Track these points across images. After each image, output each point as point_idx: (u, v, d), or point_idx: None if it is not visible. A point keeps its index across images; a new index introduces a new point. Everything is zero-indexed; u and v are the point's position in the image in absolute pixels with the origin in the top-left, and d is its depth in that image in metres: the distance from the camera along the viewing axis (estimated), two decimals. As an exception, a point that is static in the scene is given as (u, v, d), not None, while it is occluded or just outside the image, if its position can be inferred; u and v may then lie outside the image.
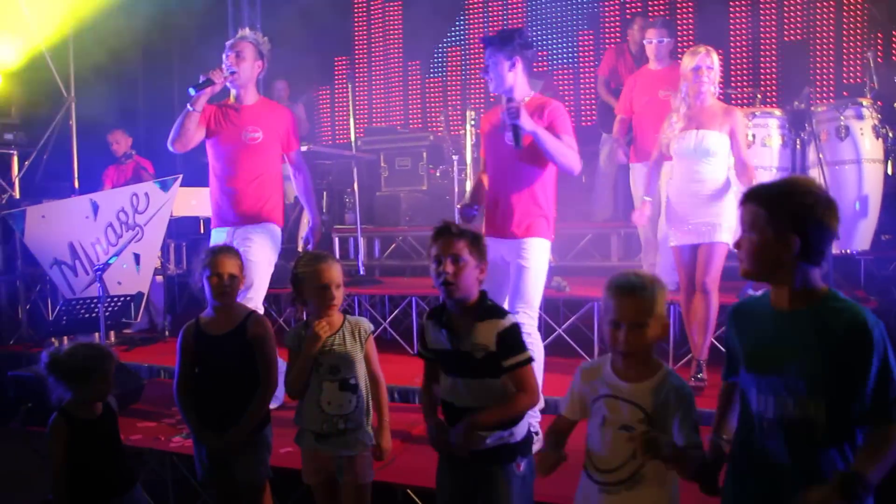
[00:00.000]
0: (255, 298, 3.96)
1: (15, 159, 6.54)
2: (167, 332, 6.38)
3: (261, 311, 3.99)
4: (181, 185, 5.96)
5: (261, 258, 4.05)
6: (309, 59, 8.55)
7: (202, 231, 7.01)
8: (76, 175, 6.98)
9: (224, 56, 4.07)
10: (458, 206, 3.94)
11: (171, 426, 4.12)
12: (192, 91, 3.96)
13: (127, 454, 2.93)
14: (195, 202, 6.94)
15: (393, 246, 6.94)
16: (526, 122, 3.36)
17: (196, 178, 7.17)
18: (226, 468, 2.87)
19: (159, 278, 6.43)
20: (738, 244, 1.94)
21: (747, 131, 4.63)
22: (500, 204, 3.63)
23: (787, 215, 1.84)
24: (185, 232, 6.88)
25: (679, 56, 4.88)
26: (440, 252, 2.40)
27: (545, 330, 4.88)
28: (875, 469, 1.75)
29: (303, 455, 2.80)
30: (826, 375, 1.81)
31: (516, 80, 3.58)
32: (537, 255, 3.56)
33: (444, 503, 2.52)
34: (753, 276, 1.95)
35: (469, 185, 6.10)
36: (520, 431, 2.43)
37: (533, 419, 3.46)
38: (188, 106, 3.98)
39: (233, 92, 4.17)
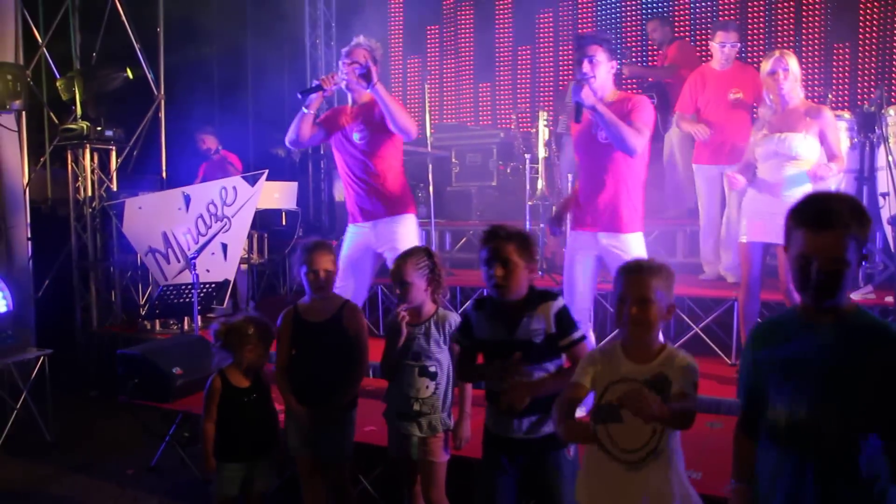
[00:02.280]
0: None
1: (113, 154, 6.98)
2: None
3: None
4: (266, 180, 6.30)
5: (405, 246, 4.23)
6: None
7: (284, 223, 7.37)
8: (164, 169, 7.40)
9: (340, 63, 4.22)
10: (545, 223, 4.10)
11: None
12: (298, 95, 4.18)
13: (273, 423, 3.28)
14: (278, 195, 7.32)
15: (464, 240, 7.17)
16: (587, 96, 3.58)
17: (280, 173, 7.57)
18: (314, 443, 3.16)
19: (244, 267, 6.80)
20: (827, 271, 1.83)
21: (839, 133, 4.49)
22: (588, 202, 3.82)
23: (861, 234, 1.83)
24: (268, 223, 7.23)
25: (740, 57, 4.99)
26: (490, 255, 2.50)
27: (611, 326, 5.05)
28: None
29: (388, 430, 3.07)
30: (849, 389, 1.81)
31: (610, 77, 3.78)
32: (636, 249, 3.74)
33: (492, 494, 2.61)
34: (835, 300, 1.86)
35: (541, 183, 6.29)
36: None
37: None
38: (303, 108, 4.18)
39: (350, 97, 4.33)
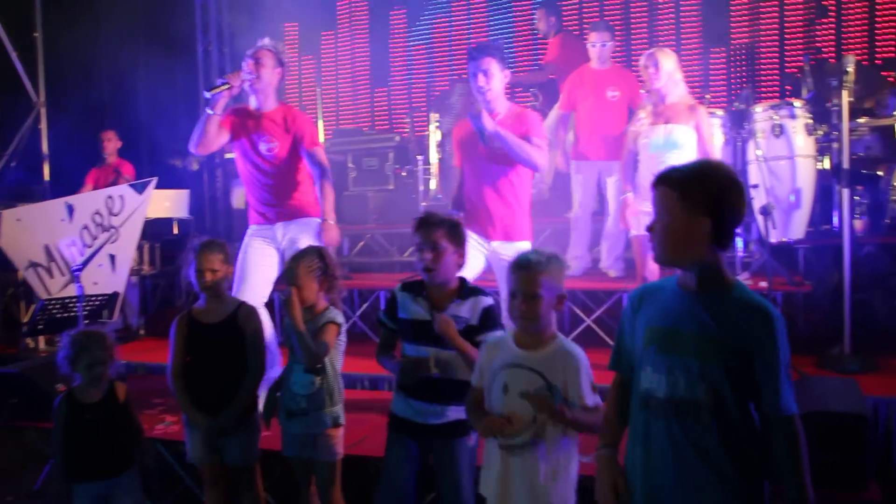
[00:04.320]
0: None
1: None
2: (142, 332, 6.55)
3: None
4: (155, 188, 6.12)
5: None
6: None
7: (176, 232, 7.17)
8: (47, 178, 7.08)
9: (243, 64, 4.16)
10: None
11: (153, 416, 4.32)
12: (207, 94, 4.05)
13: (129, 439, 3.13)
14: (169, 204, 7.12)
15: (361, 244, 7.16)
16: (487, 123, 3.66)
17: (170, 180, 7.35)
18: (217, 450, 3.11)
19: (134, 279, 6.58)
20: (650, 227, 1.95)
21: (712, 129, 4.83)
22: (480, 208, 3.89)
23: (699, 197, 1.84)
24: (159, 233, 7.04)
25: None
26: (422, 241, 2.65)
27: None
28: (807, 481, 1.82)
29: (282, 431, 3.04)
30: (721, 361, 1.84)
31: (503, 88, 3.86)
32: None
33: (395, 475, 2.71)
34: (665, 260, 1.95)
35: (434, 184, 6.36)
36: None
37: None
38: (207, 109, 4.07)
39: (252, 100, 4.25)
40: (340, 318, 3.01)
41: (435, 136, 6.37)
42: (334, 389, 2.98)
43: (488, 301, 2.68)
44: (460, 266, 2.71)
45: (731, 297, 1.88)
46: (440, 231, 2.65)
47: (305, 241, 3.98)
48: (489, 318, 2.65)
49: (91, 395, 3.04)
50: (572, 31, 7.77)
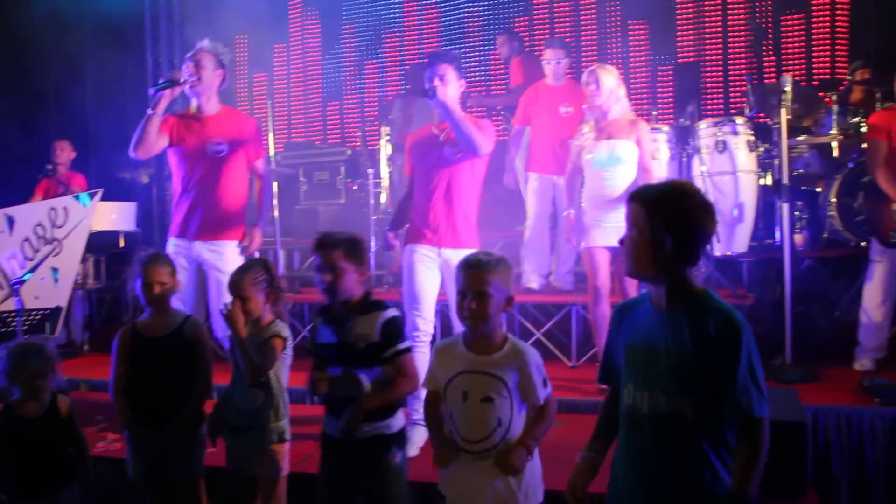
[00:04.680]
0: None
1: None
2: (86, 347, 6.39)
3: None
4: (101, 200, 6.00)
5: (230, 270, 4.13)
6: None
7: (122, 245, 7.03)
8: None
9: (183, 67, 4.11)
10: (385, 235, 4.13)
11: (95, 433, 4.21)
12: (152, 91, 3.96)
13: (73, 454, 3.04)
14: (115, 216, 6.98)
15: (312, 258, 7.08)
16: (440, 92, 3.71)
17: (116, 192, 7.20)
18: (162, 466, 3.04)
19: (79, 293, 6.43)
20: (622, 240, 2.04)
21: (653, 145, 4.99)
22: (430, 217, 3.89)
23: (663, 215, 1.93)
24: (105, 246, 6.88)
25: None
26: (320, 262, 2.63)
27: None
28: (753, 479, 1.89)
29: (226, 447, 3.00)
30: (696, 372, 1.91)
31: (457, 96, 3.88)
32: None
33: (325, 494, 2.70)
34: (634, 273, 2.04)
35: (385, 197, 6.36)
36: (396, 423, 2.65)
37: (414, 412, 3.71)
38: (149, 109, 3.97)
39: (194, 102, 4.18)
40: (286, 332, 2.97)
41: (386, 149, 6.38)
42: (280, 404, 2.94)
43: (389, 314, 2.63)
44: (363, 282, 2.69)
45: (700, 310, 1.95)
46: (338, 252, 2.62)
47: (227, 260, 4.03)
48: (391, 332, 2.61)
49: (30, 409, 2.93)
50: (529, 51, 7.88)
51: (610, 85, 4.31)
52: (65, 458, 2.98)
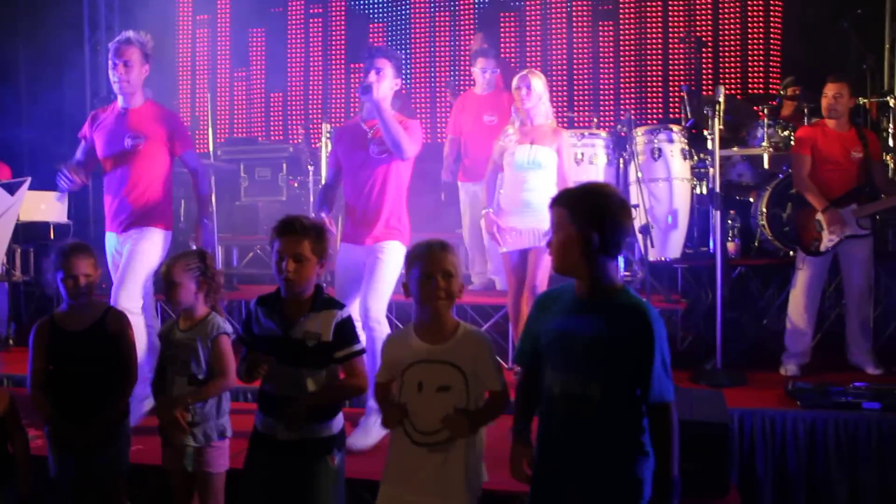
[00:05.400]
0: (124, 297, 3.97)
1: None
2: (11, 342, 6.17)
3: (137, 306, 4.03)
4: (30, 189, 5.80)
5: (139, 260, 4.07)
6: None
7: (52, 237, 6.81)
8: None
9: (111, 63, 4.06)
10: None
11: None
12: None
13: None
14: (44, 206, 6.75)
15: (251, 255, 7.02)
16: (375, 90, 3.70)
17: (46, 181, 6.96)
18: (85, 461, 2.94)
19: (5, 285, 6.21)
20: (548, 244, 2.18)
21: (575, 150, 5.16)
22: (357, 213, 3.88)
23: (586, 213, 2.07)
24: (33, 237, 6.64)
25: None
26: (283, 249, 2.49)
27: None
28: (673, 459, 2.06)
29: (162, 443, 2.91)
30: (608, 359, 2.07)
31: (391, 93, 3.88)
32: (394, 255, 3.80)
33: (251, 494, 2.59)
34: (562, 271, 2.17)
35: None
36: (336, 425, 2.58)
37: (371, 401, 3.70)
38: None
39: (120, 98, 4.17)
40: (227, 326, 2.92)
41: (328, 147, 6.33)
42: (221, 400, 2.89)
43: (345, 313, 2.55)
44: (319, 276, 2.59)
45: (618, 302, 2.11)
46: (306, 240, 2.50)
47: (149, 251, 4.06)
48: (345, 332, 2.53)
49: None
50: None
51: (539, 90, 4.40)
52: (1, 458, 2.87)
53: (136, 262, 4.06)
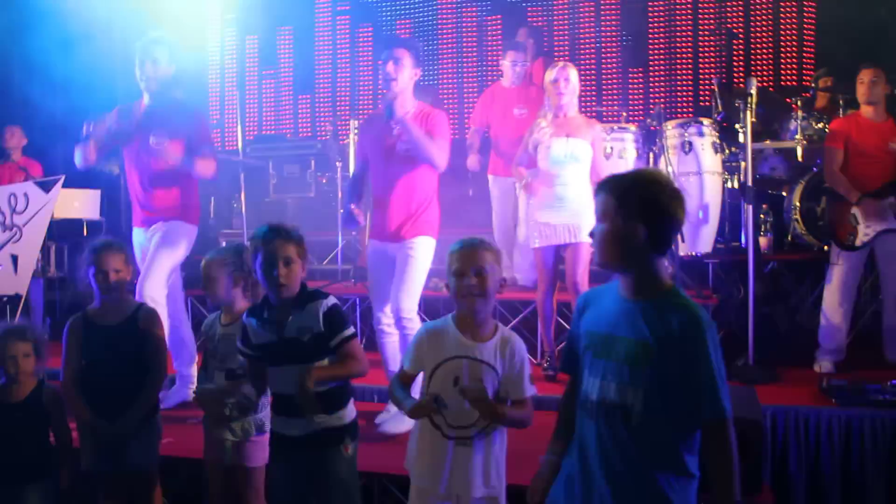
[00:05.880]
0: (148, 286, 4.04)
1: None
2: (46, 337, 6.25)
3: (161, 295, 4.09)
4: (63, 187, 5.88)
5: (164, 251, 4.15)
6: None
7: (86, 234, 6.91)
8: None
9: (138, 61, 4.13)
10: (343, 211, 4.13)
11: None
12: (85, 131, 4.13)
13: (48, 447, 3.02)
14: (78, 204, 6.86)
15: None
16: (398, 108, 3.68)
17: (79, 179, 7.06)
18: (117, 456, 2.98)
19: (40, 281, 6.31)
20: (591, 234, 2.00)
21: (605, 144, 5.08)
22: (386, 207, 3.86)
23: (634, 204, 1.89)
24: (66, 234, 6.75)
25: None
26: (273, 255, 2.51)
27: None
28: (735, 487, 1.84)
29: (205, 436, 2.97)
30: (652, 366, 1.86)
31: (412, 83, 3.86)
32: (424, 250, 3.82)
33: (279, 492, 2.66)
34: (605, 265, 1.99)
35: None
36: (348, 415, 2.62)
37: None
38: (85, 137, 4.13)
39: (146, 95, 4.24)
40: None
41: (355, 143, 6.34)
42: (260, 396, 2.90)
43: (330, 301, 2.57)
44: (302, 278, 2.61)
45: (666, 304, 1.90)
46: (292, 244, 2.55)
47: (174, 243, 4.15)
48: (335, 319, 2.55)
49: (12, 393, 2.92)
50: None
51: (575, 83, 4.39)
52: (43, 449, 2.95)
53: (161, 253, 4.13)
